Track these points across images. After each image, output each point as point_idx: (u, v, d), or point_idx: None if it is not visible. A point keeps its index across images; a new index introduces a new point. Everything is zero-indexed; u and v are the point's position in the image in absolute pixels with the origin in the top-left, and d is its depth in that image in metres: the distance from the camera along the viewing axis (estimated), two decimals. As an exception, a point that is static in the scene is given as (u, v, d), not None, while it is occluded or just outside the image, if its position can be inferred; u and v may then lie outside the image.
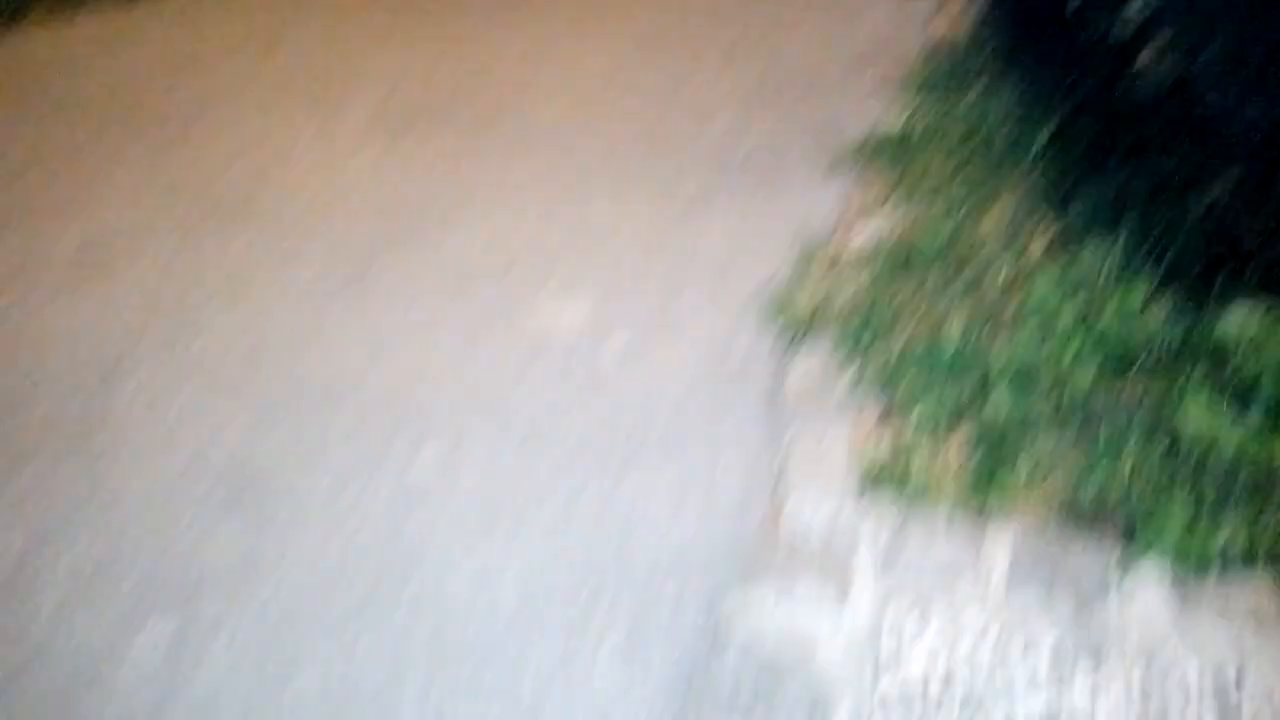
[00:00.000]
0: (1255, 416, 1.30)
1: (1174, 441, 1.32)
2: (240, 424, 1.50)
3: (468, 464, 1.42)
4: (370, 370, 1.63)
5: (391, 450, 1.43)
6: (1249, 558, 1.19)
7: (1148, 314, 1.54)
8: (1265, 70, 1.81)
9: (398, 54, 3.51)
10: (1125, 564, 1.21)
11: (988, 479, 1.30)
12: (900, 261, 1.89)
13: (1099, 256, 1.72)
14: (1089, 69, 2.47)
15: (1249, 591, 1.18)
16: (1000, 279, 1.80)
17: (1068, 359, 1.48)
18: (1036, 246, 1.91)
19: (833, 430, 1.50)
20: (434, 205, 2.25)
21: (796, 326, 1.74)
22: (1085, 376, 1.44)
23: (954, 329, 1.63)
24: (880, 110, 2.89)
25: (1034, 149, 2.21)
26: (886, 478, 1.34)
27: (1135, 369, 1.45)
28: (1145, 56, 2.03)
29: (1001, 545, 1.26)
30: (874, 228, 2.09)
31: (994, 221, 2.02)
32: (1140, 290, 1.57)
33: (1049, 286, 1.64)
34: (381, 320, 1.78)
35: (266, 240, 2.07)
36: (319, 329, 1.75)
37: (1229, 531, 1.21)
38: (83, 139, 2.62)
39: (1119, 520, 1.26)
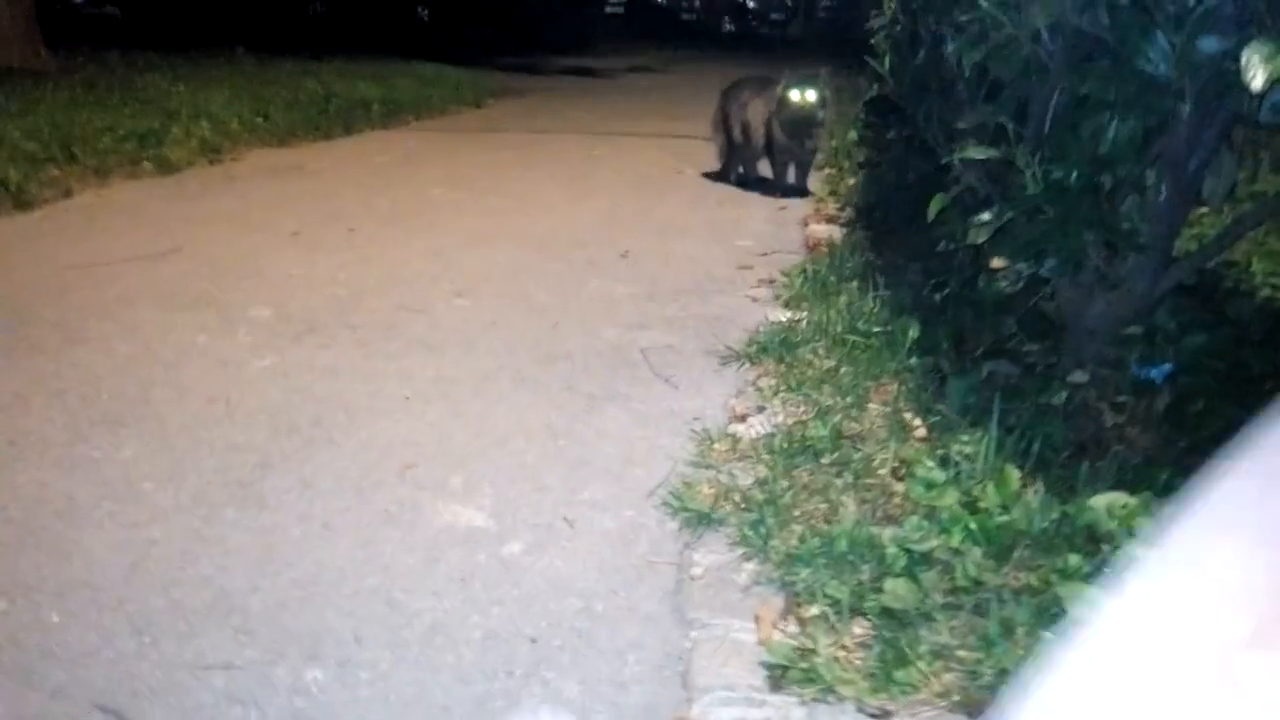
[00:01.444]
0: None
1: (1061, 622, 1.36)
2: (114, 649, 1.40)
3: (364, 678, 1.35)
4: (259, 583, 1.56)
5: (278, 670, 1.35)
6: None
7: (1023, 500, 1.63)
8: (1103, 273, 2.03)
9: (302, 257, 3.58)
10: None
11: (889, 672, 1.31)
12: (793, 451, 1.96)
13: (974, 444, 1.82)
14: (950, 269, 2.71)
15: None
16: (887, 467, 1.88)
17: (954, 545, 1.54)
18: (917, 435, 2.03)
19: (737, 626, 1.50)
20: (333, 409, 2.24)
21: (697, 519, 1.77)
22: (973, 562, 1.49)
23: (848, 518, 1.68)
24: (765, 309, 3.07)
25: (906, 344, 2.37)
26: (792, 675, 1.34)
27: (1017, 553, 1.52)
28: (999, 259, 2.24)
29: (909, 739, 1.26)
30: (766, 419, 2.17)
31: (876, 412, 2.14)
32: (1014, 477, 1.66)
33: (931, 475, 1.72)
34: (273, 529, 1.73)
35: (154, 448, 2.01)
36: (205, 541, 1.68)
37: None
38: (-38, 347, 2.53)
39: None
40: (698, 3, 33.25)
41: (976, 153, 1.97)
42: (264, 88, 7.86)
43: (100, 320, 2.79)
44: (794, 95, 4.69)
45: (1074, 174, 1.86)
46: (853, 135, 6.03)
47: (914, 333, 2.42)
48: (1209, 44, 1.64)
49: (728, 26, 29.52)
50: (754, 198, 5.03)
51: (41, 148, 4.98)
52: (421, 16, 16.58)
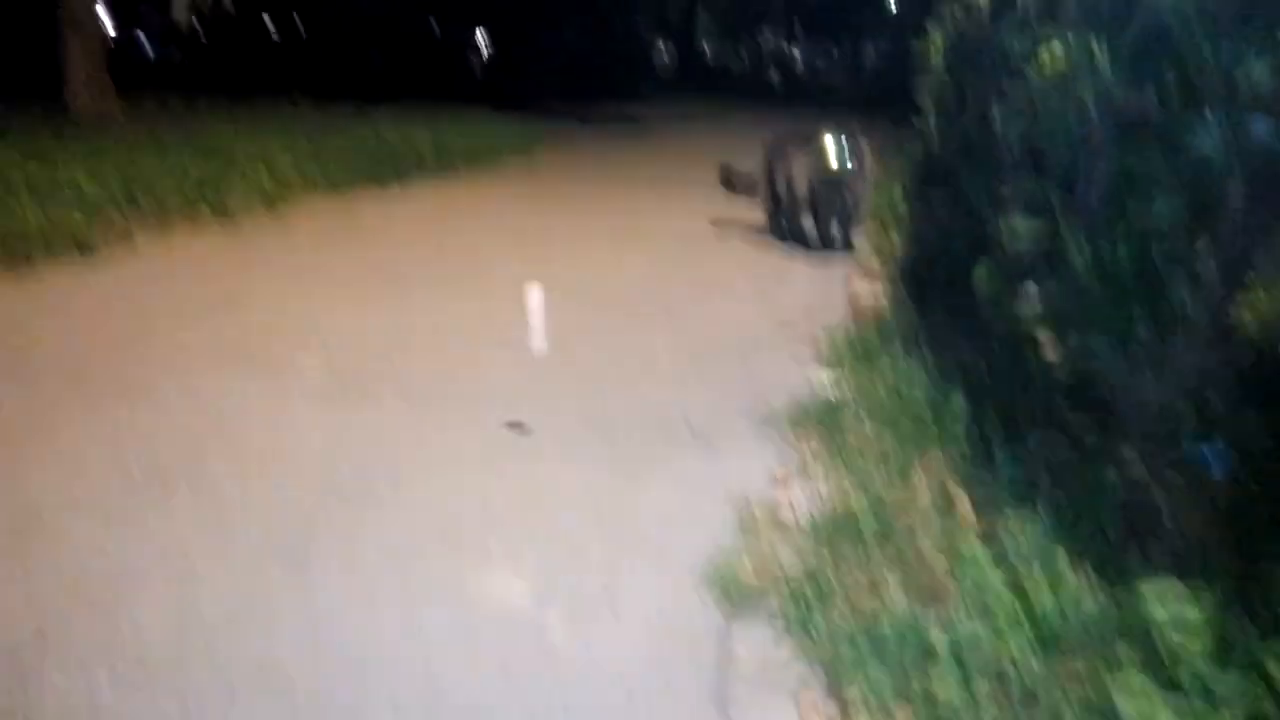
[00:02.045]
0: (1193, 700, 1.33)
1: (1112, 722, 1.33)
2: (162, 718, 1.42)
3: (402, 760, 1.36)
4: (306, 652, 1.58)
5: (322, 746, 1.36)
6: None
7: (1073, 588, 1.59)
8: (1153, 350, 1.99)
9: (353, 309, 3.66)
10: None
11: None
12: (837, 528, 1.94)
13: (1022, 526, 1.79)
14: (997, 341, 2.68)
15: None
16: (933, 547, 1.86)
17: (1002, 635, 1.51)
18: (964, 512, 1.99)
19: (778, 708, 1.49)
20: (379, 470, 2.27)
21: (739, 597, 1.75)
22: (1021, 654, 1.46)
23: (893, 601, 1.66)
24: (807, 369, 3.07)
25: (952, 416, 2.35)
26: (834, 767, 1.32)
27: (1068, 645, 1.49)
28: (1046, 334, 2.22)
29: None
30: (810, 492, 2.16)
31: (922, 487, 2.11)
32: (1064, 563, 1.63)
33: (979, 558, 1.70)
34: (320, 596, 1.75)
35: (205, 510, 2.05)
36: (253, 608, 1.71)
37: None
38: (28, 404, 2.62)
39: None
40: (745, 53, 33.66)
41: (1023, 228, 1.96)
42: (321, 136, 8.09)
43: (158, 374, 2.86)
44: (830, 154, 4.76)
45: (1122, 250, 1.84)
46: (898, 191, 6.02)
47: (959, 402, 2.39)
48: (1260, 125, 1.63)
49: (775, 77, 29.76)
50: (798, 252, 5.04)
51: (106, 195, 5.17)
52: (474, 65, 16.97)
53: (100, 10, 8.58)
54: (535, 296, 3.94)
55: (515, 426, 2.50)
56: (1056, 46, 1.84)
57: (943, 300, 3.54)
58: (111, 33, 8.67)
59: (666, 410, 2.70)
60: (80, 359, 2.98)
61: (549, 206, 6.24)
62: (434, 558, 1.89)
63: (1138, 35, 1.78)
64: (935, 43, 4.16)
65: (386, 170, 7.06)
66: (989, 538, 1.79)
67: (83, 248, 4.37)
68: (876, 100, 17.49)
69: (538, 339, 3.37)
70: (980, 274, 2.30)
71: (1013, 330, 2.62)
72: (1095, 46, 1.77)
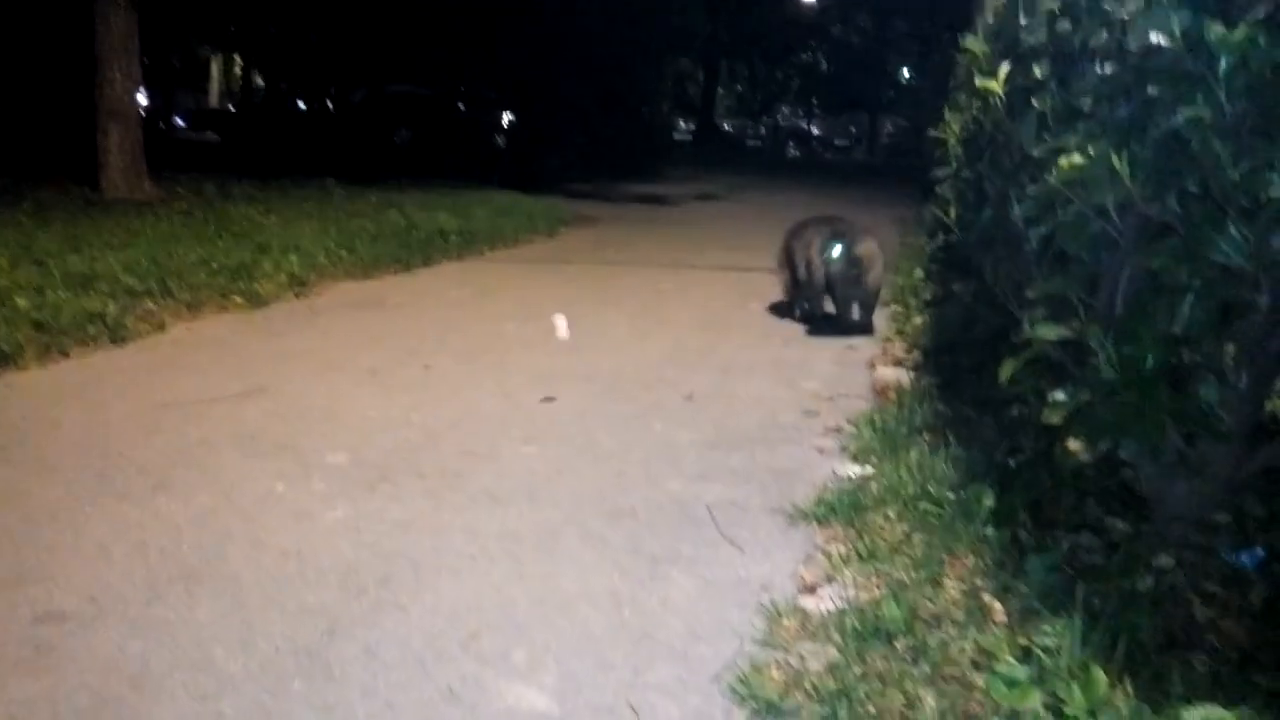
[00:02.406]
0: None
1: None
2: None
3: None
4: (323, 767, 1.55)
5: None
6: None
7: (1111, 704, 1.55)
8: (1184, 455, 1.97)
9: (378, 397, 3.68)
10: None
11: None
12: (866, 632, 1.90)
13: (1057, 635, 1.75)
14: (1024, 430, 2.66)
15: None
16: (966, 655, 1.81)
17: (1040, 759, 1.46)
18: (997, 618, 1.95)
19: (808, 833, 1.44)
20: (401, 567, 2.26)
21: (766, 708, 1.71)
22: (1060, 781, 1.41)
23: (925, 716, 1.62)
24: (833, 461, 3.04)
25: (981, 515, 2.32)
26: None
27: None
28: (1075, 440, 2.20)
29: None
30: (837, 592, 2.12)
31: (953, 589, 2.08)
32: (1101, 679, 1.58)
33: (1013, 672, 1.65)
34: (338, 704, 1.73)
35: (227, 609, 2.04)
36: (270, 714, 1.69)
37: None
38: (56, 495, 2.65)
39: None
40: (763, 129, 34.31)
41: (1048, 332, 1.96)
42: (349, 220, 8.28)
43: (184, 466, 2.89)
44: (835, 254, 4.86)
45: (1148, 355, 1.83)
46: (918, 274, 6.06)
47: (989, 501, 2.36)
48: (1283, 236, 1.63)
49: (793, 152, 30.25)
50: (820, 336, 5.05)
51: (139, 281, 5.28)
52: (498, 144, 17.39)
53: (139, 96, 8.89)
54: (557, 380, 3.95)
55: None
56: (1076, 156, 1.86)
57: (968, 389, 3.53)
58: (146, 114, 8.94)
59: (691, 504, 2.68)
60: (107, 448, 3.02)
61: (571, 289, 6.31)
62: (454, 662, 1.87)
63: (1157, 143, 1.80)
64: (953, 130, 4.24)
65: (413, 254, 7.19)
66: (1025, 653, 1.74)
67: (115, 337, 4.45)
68: (896, 172, 17.73)
69: (557, 427, 3.37)
70: (1006, 370, 2.29)
71: (1041, 429, 2.60)
72: (1114, 155, 1.79)
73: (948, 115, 4.55)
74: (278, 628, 1.98)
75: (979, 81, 2.91)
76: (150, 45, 9.11)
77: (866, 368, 4.39)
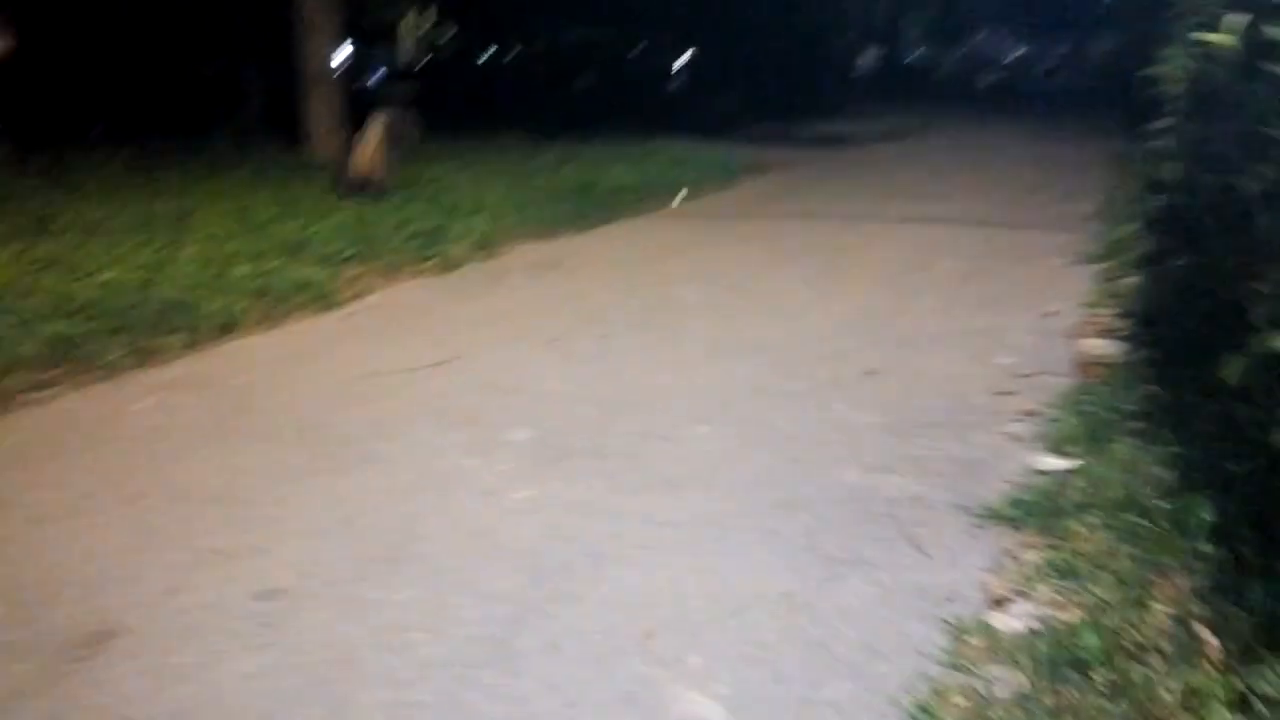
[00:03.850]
0: None
1: None
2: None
3: None
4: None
5: None
6: None
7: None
8: None
9: (559, 368, 3.80)
10: None
11: None
12: (1060, 660, 1.79)
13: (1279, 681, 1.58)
14: (1252, 444, 2.38)
15: None
16: (1172, 696, 1.67)
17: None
18: (1210, 652, 1.78)
19: None
20: (580, 554, 2.33)
21: (947, 737, 1.65)
22: None
23: (1124, 766, 1.51)
24: (1027, 452, 2.86)
25: (1198, 529, 2.11)
26: None
27: None
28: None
29: None
30: (1028, 610, 2.01)
31: (1160, 615, 1.91)
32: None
33: (1230, 728, 1.51)
34: (523, 699, 1.81)
35: (424, 592, 2.18)
36: (461, 701, 1.79)
37: None
38: (273, 465, 2.89)
39: None
40: (957, 56, 32.11)
41: (1286, 343, 1.74)
42: (531, 178, 8.51)
43: (385, 438, 3.08)
44: None
45: None
46: (1132, 228, 5.53)
47: (1207, 514, 2.15)
48: None
49: (989, 80, 28.07)
50: (1017, 299, 4.73)
51: (343, 248, 5.65)
52: (674, 88, 17.22)
53: (338, 59, 9.40)
54: (732, 351, 3.92)
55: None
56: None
57: (1187, 376, 3.21)
58: (343, 75, 9.41)
59: (869, 499, 2.60)
60: (318, 419, 3.26)
61: (747, 250, 6.22)
62: (631, 662, 1.91)
63: None
64: (1174, 77, 3.79)
65: (591, 211, 7.29)
66: (1242, 702, 1.58)
67: (324, 303, 4.79)
68: (1106, 99, 16.15)
69: (733, 405, 3.35)
70: (1232, 368, 2.06)
71: (1272, 439, 2.33)
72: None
73: (1168, 52, 4.06)
74: (469, 613, 2.09)
75: (1199, 34, 2.57)
76: (345, 6, 9.54)
77: (1069, 338, 4.07)
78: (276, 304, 4.70)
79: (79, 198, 7.00)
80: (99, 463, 2.92)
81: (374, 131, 7.84)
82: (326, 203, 7.17)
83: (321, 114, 9.29)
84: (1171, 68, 3.90)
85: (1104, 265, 5.27)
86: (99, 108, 9.82)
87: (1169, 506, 2.26)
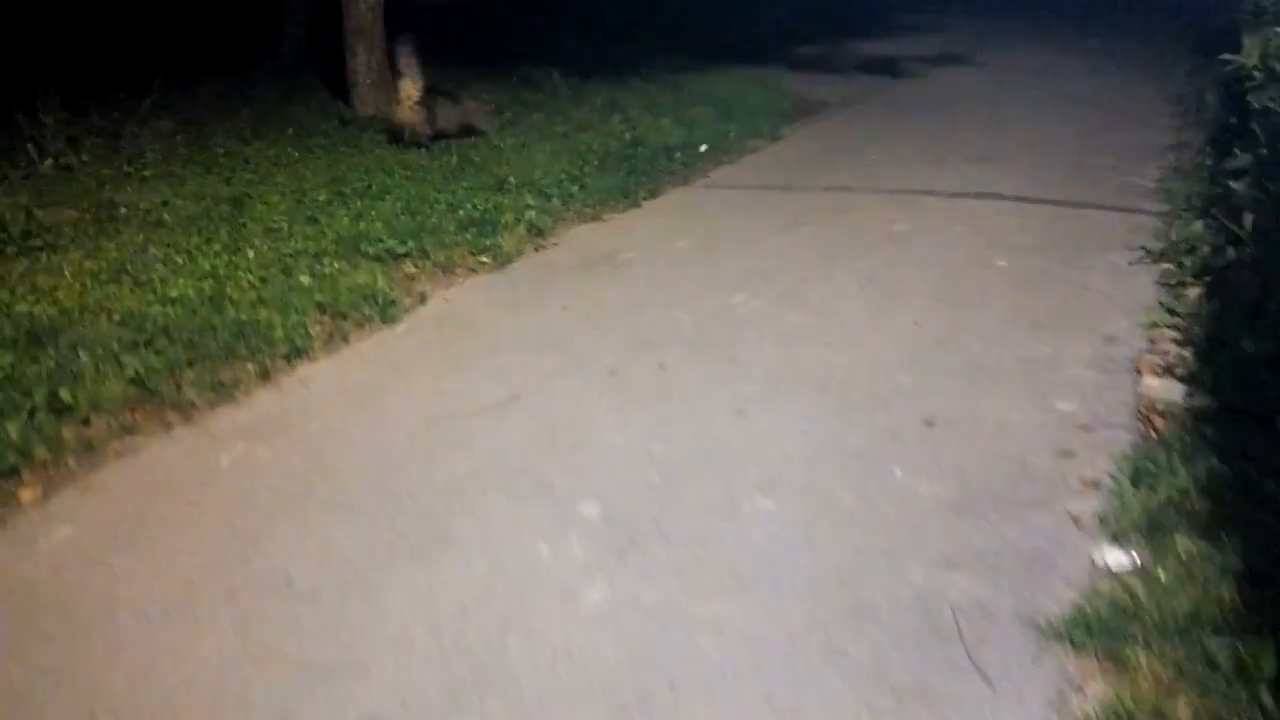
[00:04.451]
0: None
1: None
2: None
3: None
4: None
5: None
6: None
7: None
8: None
9: (618, 413, 3.88)
10: None
11: None
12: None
13: None
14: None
15: None
16: None
17: None
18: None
19: None
20: (657, 679, 2.44)
21: None
22: None
23: None
24: (1090, 543, 2.91)
25: (1261, 679, 2.17)
26: None
27: None
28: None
29: None
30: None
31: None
32: None
33: None
34: None
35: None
36: None
37: None
38: (354, 547, 3.03)
39: None
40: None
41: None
42: (577, 136, 8.42)
43: (460, 510, 3.20)
44: None
45: None
46: (1196, 228, 5.38)
47: (1267, 666, 2.21)
48: None
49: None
50: (1078, 316, 4.67)
51: (399, 242, 5.71)
52: (714, 5, 16.57)
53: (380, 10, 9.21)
54: (789, 391, 3.96)
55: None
56: None
57: (1255, 426, 3.16)
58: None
59: (935, 604, 2.67)
60: (395, 484, 3.36)
61: (795, 237, 6.13)
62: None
63: None
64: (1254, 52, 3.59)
65: (638, 182, 7.21)
66: None
67: (385, 315, 4.87)
68: (1162, 22, 15.22)
69: (793, 469, 3.42)
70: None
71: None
72: None
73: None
74: (556, 749, 2.24)
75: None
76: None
77: (1131, 373, 4.04)
78: (339, 319, 4.79)
79: (137, 180, 7.10)
80: (201, 544, 3.06)
81: (409, 80, 7.84)
82: (376, 176, 7.19)
83: (364, 68, 9.17)
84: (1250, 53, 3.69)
85: (1167, 265, 5.16)
86: (143, 52, 9.75)
87: (1228, 646, 2.32)
